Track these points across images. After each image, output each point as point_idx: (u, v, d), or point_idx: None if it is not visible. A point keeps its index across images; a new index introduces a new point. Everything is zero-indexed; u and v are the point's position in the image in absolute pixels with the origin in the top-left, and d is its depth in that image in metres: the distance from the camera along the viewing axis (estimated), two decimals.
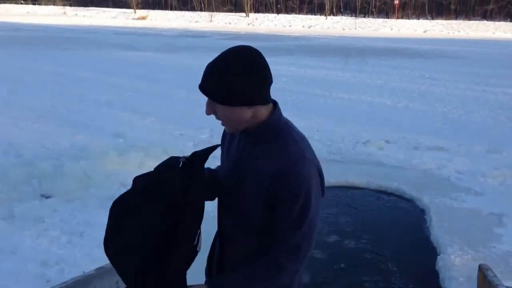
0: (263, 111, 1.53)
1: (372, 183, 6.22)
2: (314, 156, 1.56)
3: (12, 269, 3.80)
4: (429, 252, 4.46)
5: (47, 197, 5.16)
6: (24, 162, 6.07)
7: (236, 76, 1.43)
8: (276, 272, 1.52)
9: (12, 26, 41.87)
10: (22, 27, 40.18)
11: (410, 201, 5.75)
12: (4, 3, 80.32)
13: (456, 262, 4.14)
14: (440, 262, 4.18)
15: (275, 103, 1.59)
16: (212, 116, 1.58)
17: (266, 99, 1.53)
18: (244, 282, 1.54)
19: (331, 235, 4.78)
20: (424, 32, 47.53)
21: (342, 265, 4.19)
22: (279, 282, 1.54)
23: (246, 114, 1.49)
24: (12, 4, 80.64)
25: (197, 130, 8.65)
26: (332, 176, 6.37)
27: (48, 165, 5.85)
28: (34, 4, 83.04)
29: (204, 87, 1.49)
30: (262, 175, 1.49)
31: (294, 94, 12.57)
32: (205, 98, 1.52)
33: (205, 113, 1.55)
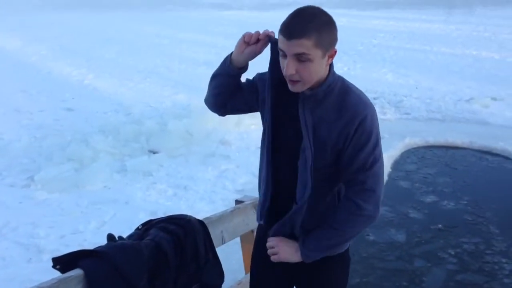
0: (328, 67, 1.50)
1: (475, 143, 5.93)
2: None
3: (126, 218, 4.19)
4: None
5: (154, 153, 5.56)
6: (133, 120, 6.55)
7: (328, 24, 1.41)
8: (358, 210, 1.52)
9: None
10: None
11: None
12: None
13: None
14: None
15: None
16: None
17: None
18: (335, 233, 1.57)
19: (428, 195, 4.68)
20: None
21: (440, 225, 4.11)
22: (361, 221, 1.55)
23: (324, 68, 1.47)
24: None
25: None
26: (431, 135, 6.16)
27: (154, 123, 6.27)
28: None
29: (302, 35, 1.37)
30: (338, 129, 1.49)
31: (392, 50, 12.05)
32: None
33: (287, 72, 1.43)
